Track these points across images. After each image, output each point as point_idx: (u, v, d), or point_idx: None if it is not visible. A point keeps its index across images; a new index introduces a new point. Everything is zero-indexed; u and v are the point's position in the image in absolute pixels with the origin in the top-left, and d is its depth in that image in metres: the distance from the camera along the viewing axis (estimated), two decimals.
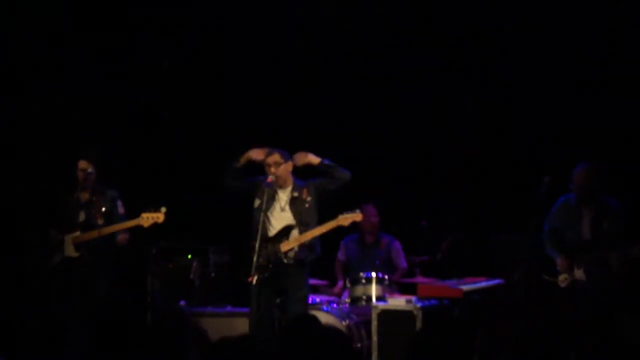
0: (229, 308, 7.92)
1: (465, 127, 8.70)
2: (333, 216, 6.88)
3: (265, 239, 6.83)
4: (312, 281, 7.69)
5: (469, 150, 8.66)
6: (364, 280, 7.80)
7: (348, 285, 7.97)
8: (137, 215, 7.21)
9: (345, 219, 6.80)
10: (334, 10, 8.83)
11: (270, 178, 6.88)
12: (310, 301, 7.38)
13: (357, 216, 6.83)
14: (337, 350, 4.01)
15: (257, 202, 6.94)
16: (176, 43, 9.11)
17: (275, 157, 6.93)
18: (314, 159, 6.96)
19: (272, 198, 6.92)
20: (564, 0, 8.27)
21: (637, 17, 8.00)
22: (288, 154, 7.00)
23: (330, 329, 4.60)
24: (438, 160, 8.75)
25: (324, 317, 7.12)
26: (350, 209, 6.84)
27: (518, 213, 7.30)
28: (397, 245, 8.54)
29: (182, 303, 8.01)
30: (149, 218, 7.15)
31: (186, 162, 9.20)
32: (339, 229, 6.96)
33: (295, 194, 6.96)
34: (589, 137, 8.01)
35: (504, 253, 7.54)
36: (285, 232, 6.88)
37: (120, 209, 7.47)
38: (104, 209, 7.40)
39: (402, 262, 8.47)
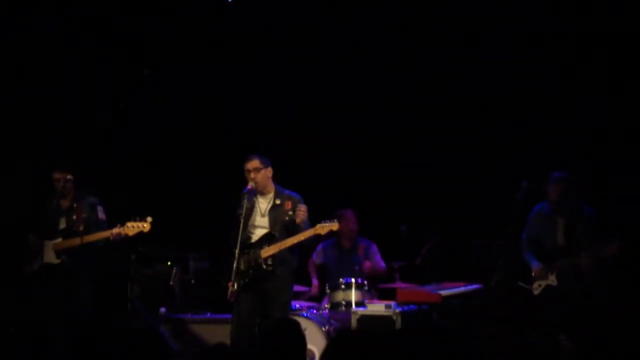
0: (209, 315, 7.93)
1: (444, 133, 8.76)
2: (312, 220, 6.89)
3: (247, 245, 6.82)
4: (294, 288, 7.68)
5: (448, 155, 8.71)
6: (343, 286, 7.83)
7: (328, 291, 7.99)
8: (122, 223, 7.16)
9: (323, 228, 6.76)
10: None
11: (250, 185, 6.89)
12: None
13: (334, 226, 6.79)
14: None
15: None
16: (157, 48, 9.13)
17: (254, 162, 6.89)
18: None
19: (253, 206, 6.91)
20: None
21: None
22: (268, 160, 6.97)
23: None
24: (418, 166, 8.78)
25: (304, 323, 7.13)
26: (329, 214, 6.85)
27: (497, 218, 7.36)
28: (374, 248, 8.53)
29: (162, 310, 8.00)
30: (134, 227, 7.13)
31: (166, 168, 9.21)
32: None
33: (278, 201, 6.93)
34: (567, 141, 8.09)
35: (483, 258, 7.60)
36: (267, 238, 6.86)
37: (101, 215, 7.45)
38: (84, 215, 7.39)
39: (380, 263, 8.48)
